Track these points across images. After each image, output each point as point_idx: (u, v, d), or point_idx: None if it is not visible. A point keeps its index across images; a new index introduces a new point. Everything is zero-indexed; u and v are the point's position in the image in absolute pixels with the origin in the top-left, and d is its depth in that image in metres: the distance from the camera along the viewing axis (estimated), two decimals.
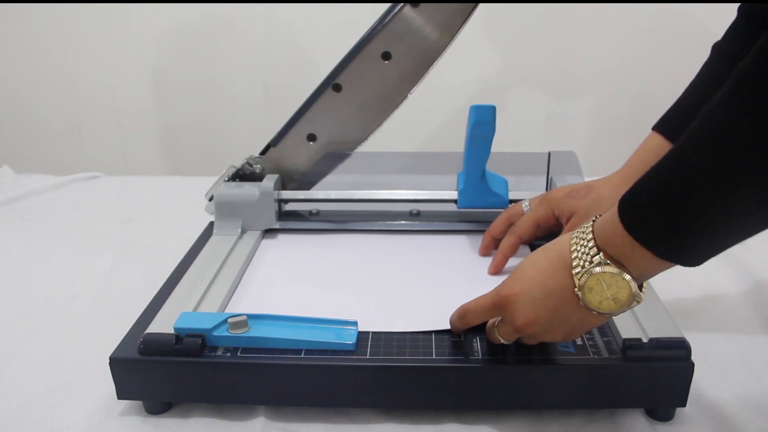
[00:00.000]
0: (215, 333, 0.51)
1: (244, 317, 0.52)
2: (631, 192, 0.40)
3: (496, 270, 0.64)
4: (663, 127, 0.59)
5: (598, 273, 0.41)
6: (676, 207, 0.37)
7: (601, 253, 0.41)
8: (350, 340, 0.52)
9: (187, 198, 0.90)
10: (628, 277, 0.41)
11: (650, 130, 0.63)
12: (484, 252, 0.68)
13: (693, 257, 0.39)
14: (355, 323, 0.53)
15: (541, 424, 0.52)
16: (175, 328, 0.51)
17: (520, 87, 1.43)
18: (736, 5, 0.58)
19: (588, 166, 0.77)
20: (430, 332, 0.54)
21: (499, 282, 0.49)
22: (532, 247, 0.68)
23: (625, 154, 0.64)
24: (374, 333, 0.54)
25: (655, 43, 1.37)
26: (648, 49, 1.38)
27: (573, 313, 0.44)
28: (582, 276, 0.42)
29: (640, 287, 0.42)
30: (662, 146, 0.58)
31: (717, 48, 0.57)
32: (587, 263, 0.42)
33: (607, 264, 0.41)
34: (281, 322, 0.54)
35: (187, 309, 0.56)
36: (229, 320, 0.52)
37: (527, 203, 0.67)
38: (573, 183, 0.67)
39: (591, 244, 0.42)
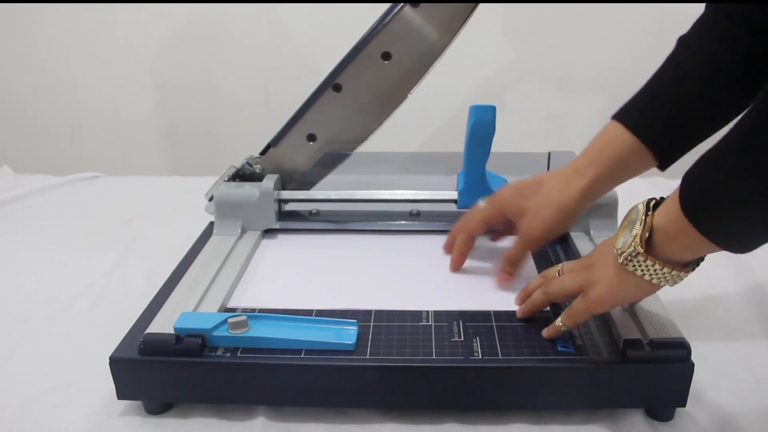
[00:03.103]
0: (215, 333, 0.51)
1: (244, 317, 0.52)
2: (695, 177, 0.42)
3: (455, 267, 0.64)
4: (623, 117, 0.56)
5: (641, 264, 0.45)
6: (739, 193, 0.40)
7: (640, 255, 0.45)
8: (350, 340, 0.52)
9: (187, 198, 0.90)
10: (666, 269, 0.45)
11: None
12: (447, 250, 0.68)
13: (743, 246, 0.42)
14: (355, 323, 0.53)
15: (541, 424, 0.52)
16: (175, 328, 0.51)
17: (520, 87, 1.43)
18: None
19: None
20: (430, 332, 0.54)
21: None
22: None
23: None
24: (375, 326, 0.54)
25: (654, 43, 1.37)
26: (648, 49, 1.38)
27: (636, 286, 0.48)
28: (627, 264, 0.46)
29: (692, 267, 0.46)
30: (621, 137, 0.55)
31: (684, 41, 0.55)
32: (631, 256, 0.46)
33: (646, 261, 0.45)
34: (281, 322, 0.54)
35: (187, 309, 0.56)
36: (229, 320, 0.52)
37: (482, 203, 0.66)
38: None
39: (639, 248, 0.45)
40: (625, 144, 0.55)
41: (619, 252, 0.46)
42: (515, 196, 0.60)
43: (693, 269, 0.46)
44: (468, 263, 0.67)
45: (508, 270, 0.61)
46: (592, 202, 0.58)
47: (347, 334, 0.52)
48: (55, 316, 0.69)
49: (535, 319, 0.56)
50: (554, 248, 0.70)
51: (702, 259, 0.46)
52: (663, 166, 0.56)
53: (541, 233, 0.58)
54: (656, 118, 0.54)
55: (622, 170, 0.56)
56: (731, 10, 0.51)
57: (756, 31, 0.50)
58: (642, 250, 0.44)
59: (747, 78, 0.51)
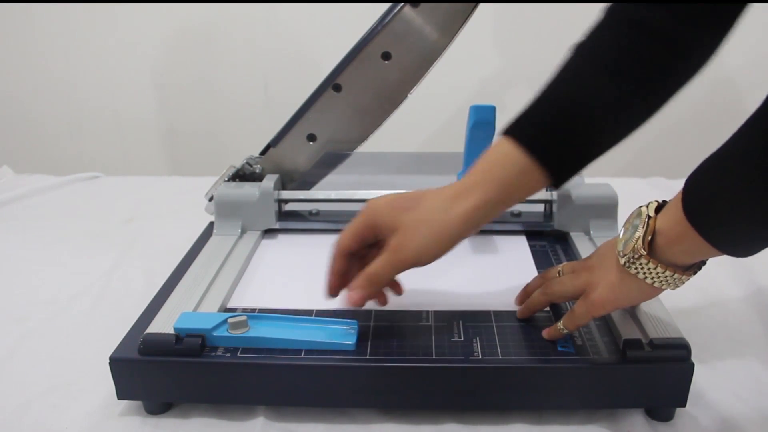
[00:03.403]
0: (215, 333, 0.51)
1: (244, 317, 0.52)
2: (698, 181, 0.42)
3: (330, 291, 0.54)
4: (514, 131, 0.50)
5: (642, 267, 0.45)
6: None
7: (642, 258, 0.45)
8: (350, 340, 0.52)
9: (187, 198, 0.90)
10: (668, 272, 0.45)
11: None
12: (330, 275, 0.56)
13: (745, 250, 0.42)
14: (355, 323, 0.53)
15: (541, 424, 0.52)
16: (175, 328, 0.51)
17: (520, 87, 1.43)
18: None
19: (588, 166, 0.77)
20: (430, 332, 0.54)
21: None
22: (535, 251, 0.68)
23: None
24: (375, 326, 0.54)
25: None
26: None
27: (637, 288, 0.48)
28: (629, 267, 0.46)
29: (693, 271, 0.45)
30: (511, 154, 0.49)
31: (580, 49, 0.50)
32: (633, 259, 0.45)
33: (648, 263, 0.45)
34: (281, 322, 0.54)
35: (187, 309, 0.56)
36: (229, 320, 0.52)
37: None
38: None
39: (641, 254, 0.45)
40: (515, 163, 0.49)
41: (621, 254, 0.46)
42: (390, 208, 0.51)
43: (695, 272, 0.46)
44: (468, 263, 0.67)
45: (366, 288, 0.51)
46: (478, 227, 0.50)
47: (347, 334, 0.52)
48: (55, 316, 0.69)
49: (535, 319, 0.56)
50: (554, 248, 0.70)
51: (704, 262, 0.45)
52: (556, 185, 0.50)
53: (412, 255, 0.49)
54: (551, 133, 0.49)
55: (511, 192, 0.49)
56: (631, 16, 0.48)
57: (658, 37, 0.47)
58: (644, 253, 0.44)
59: (650, 87, 0.48)
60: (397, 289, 0.56)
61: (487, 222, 0.50)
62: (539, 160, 0.48)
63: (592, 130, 0.49)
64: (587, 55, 0.49)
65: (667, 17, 0.46)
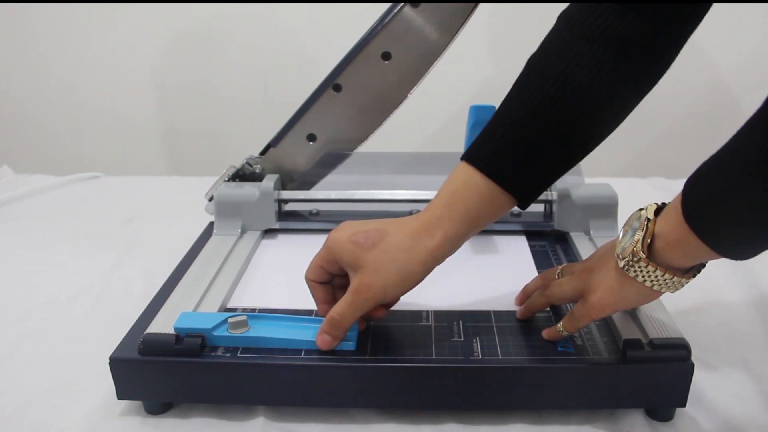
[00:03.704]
0: (215, 333, 0.51)
1: (244, 317, 0.52)
2: (696, 184, 0.42)
3: (323, 315, 0.52)
4: (474, 158, 0.49)
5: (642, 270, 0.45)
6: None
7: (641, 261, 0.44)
8: (350, 340, 0.52)
9: (187, 198, 0.90)
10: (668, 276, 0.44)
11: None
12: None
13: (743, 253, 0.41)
14: (355, 324, 0.53)
15: (541, 424, 0.52)
16: (175, 328, 0.51)
17: None
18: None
19: (588, 166, 0.77)
20: (430, 332, 0.54)
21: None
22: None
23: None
24: (375, 326, 0.54)
25: None
26: None
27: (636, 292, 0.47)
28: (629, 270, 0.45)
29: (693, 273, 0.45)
30: (473, 183, 0.48)
31: (536, 65, 0.49)
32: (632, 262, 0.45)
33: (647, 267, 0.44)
34: (281, 322, 0.54)
35: (187, 309, 0.56)
36: (229, 320, 0.52)
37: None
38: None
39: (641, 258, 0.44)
40: (479, 192, 0.48)
41: (620, 257, 0.46)
42: (352, 244, 0.49)
43: (694, 275, 0.45)
44: (468, 263, 0.67)
45: (332, 333, 0.50)
46: (443, 260, 0.50)
47: (348, 334, 0.52)
48: (55, 316, 0.69)
49: (535, 319, 0.56)
50: (554, 248, 0.70)
51: (703, 265, 0.45)
52: (523, 207, 0.51)
53: (376, 296, 0.49)
54: (512, 157, 0.48)
55: (476, 222, 0.49)
56: (589, 29, 0.46)
57: (618, 50, 0.46)
58: (644, 256, 0.44)
59: (613, 102, 0.48)
60: (379, 313, 0.53)
61: (453, 253, 0.50)
62: (503, 185, 0.48)
63: (552, 148, 0.48)
64: (543, 73, 0.48)
65: (624, 27, 0.46)
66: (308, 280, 0.53)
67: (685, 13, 0.47)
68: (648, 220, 0.44)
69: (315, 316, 0.57)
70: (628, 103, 0.49)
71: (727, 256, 0.42)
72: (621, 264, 0.46)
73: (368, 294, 0.49)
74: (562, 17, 0.49)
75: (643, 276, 0.45)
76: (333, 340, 0.50)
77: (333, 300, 0.53)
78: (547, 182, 0.50)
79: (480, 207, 0.49)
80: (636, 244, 0.44)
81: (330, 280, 0.53)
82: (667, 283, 0.45)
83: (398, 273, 0.49)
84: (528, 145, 0.48)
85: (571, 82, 0.47)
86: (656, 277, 0.45)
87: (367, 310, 0.50)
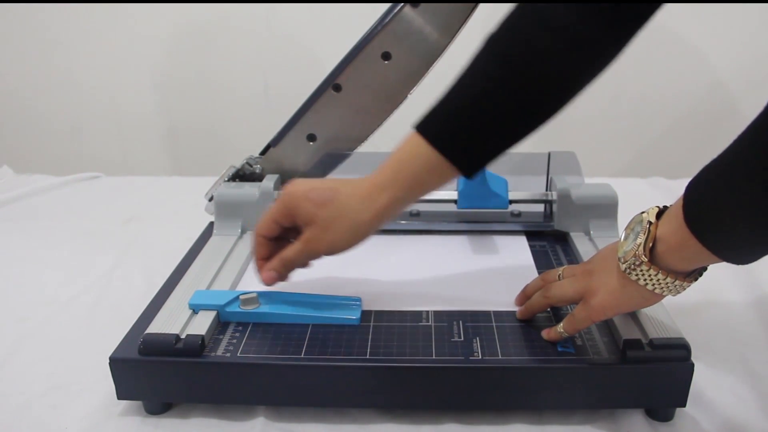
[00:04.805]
0: (228, 309, 0.55)
1: (255, 294, 0.56)
2: (698, 188, 0.42)
3: (264, 279, 0.56)
4: (424, 128, 0.51)
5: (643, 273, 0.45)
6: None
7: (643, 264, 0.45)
8: (354, 315, 0.55)
9: (187, 198, 0.90)
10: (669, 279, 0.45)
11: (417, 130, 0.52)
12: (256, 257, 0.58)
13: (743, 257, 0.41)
14: (358, 299, 0.57)
15: (541, 424, 0.52)
16: (190, 305, 0.55)
17: None
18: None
19: (588, 166, 0.77)
20: (430, 332, 0.54)
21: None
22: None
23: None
24: (375, 326, 0.55)
25: (654, 43, 1.37)
26: (647, 49, 1.38)
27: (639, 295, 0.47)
28: (630, 274, 0.46)
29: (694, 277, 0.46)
30: (421, 153, 0.50)
31: (492, 46, 0.50)
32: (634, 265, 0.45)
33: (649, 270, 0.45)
34: (290, 299, 0.57)
35: (186, 309, 0.56)
36: (241, 297, 0.55)
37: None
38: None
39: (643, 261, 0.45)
40: (425, 160, 0.50)
41: (622, 261, 0.46)
42: (307, 200, 0.53)
43: (696, 278, 0.46)
44: (468, 263, 0.67)
45: (280, 271, 0.55)
46: (389, 221, 0.53)
47: (352, 309, 0.56)
48: (55, 316, 0.69)
49: (536, 319, 0.56)
50: (554, 248, 0.70)
51: (705, 268, 0.45)
52: (468, 176, 0.52)
53: (325, 248, 0.53)
54: (458, 129, 0.50)
55: (421, 188, 0.52)
56: (541, 16, 0.47)
57: (563, 35, 0.47)
58: (646, 260, 0.44)
59: (554, 84, 0.49)
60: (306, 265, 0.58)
61: (398, 214, 0.54)
62: (447, 156, 0.50)
63: (497, 123, 0.50)
64: (493, 50, 0.50)
65: (572, 15, 0.46)
66: (258, 235, 0.56)
67: (626, 8, 0.48)
68: (650, 223, 0.45)
69: None
70: (577, 87, 0.50)
71: (728, 261, 0.42)
72: (623, 267, 0.46)
73: (316, 246, 0.53)
74: (518, 6, 0.50)
75: (645, 279, 0.45)
76: (277, 276, 0.55)
77: (271, 257, 0.56)
78: (494, 156, 0.52)
79: (426, 175, 0.51)
80: (638, 248, 0.44)
81: (278, 235, 0.56)
82: (668, 287, 0.45)
83: (347, 231, 0.53)
84: (477, 123, 0.49)
85: (521, 64, 0.48)
86: (658, 280, 0.45)
87: (314, 259, 0.55)
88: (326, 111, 0.72)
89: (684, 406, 0.51)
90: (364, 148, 0.76)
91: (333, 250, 0.53)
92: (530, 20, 0.48)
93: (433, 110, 0.51)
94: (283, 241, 0.56)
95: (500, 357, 0.50)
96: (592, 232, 0.70)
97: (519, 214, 0.76)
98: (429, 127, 0.51)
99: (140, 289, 0.73)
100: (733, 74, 1.40)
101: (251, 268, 0.66)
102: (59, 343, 0.64)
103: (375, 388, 0.51)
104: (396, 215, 0.53)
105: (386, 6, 0.66)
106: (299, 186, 0.54)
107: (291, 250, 0.54)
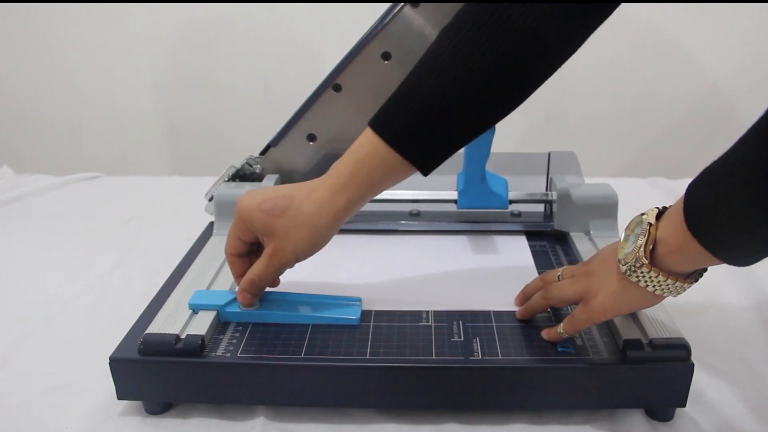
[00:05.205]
0: (227, 309, 0.55)
1: None
2: (698, 191, 0.42)
3: (242, 302, 0.56)
4: (379, 126, 0.51)
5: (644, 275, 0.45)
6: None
7: (644, 266, 0.44)
8: (355, 315, 0.55)
9: (187, 198, 0.90)
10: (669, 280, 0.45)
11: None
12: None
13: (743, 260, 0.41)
14: (358, 299, 0.57)
15: (541, 424, 0.52)
16: (190, 305, 0.55)
17: None
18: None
19: (588, 166, 0.77)
20: (430, 332, 0.54)
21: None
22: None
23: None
24: (375, 326, 0.55)
25: (654, 43, 1.37)
26: (648, 49, 1.38)
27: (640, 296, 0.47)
28: (631, 276, 0.46)
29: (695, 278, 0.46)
30: (377, 153, 0.50)
31: (445, 41, 0.49)
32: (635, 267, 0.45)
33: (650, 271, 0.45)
34: (289, 299, 0.57)
35: (186, 309, 0.56)
36: None
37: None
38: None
39: (642, 262, 0.44)
40: (382, 161, 0.50)
41: (623, 263, 0.46)
42: (261, 212, 0.52)
43: (696, 280, 0.46)
44: (468, 263, 0.67)
45: (250, 291, 0.55)
46: (346, 220, 0.53)
47: (352, 309, 0.56)
48: (55, 316, 0.69)
49: (536, 319, 0.56)
50: (554, 248, 0.70)
51: (705, 269, 0.45)
52: (424, 173, 0.52)
53: (290, 258, 0.53)
54: (414, 128, 0.49)
55: (378, 186, 0.52)
56: (502, 15, 0.47)
57: (519, 32, 0.47)
58: (646, 262, 0.44)
59: (509, 80, 0.48)
60: (275, 283, 0.58)
61: (355, 213, 0.53)
62: (405, 156, 0.50)
63: (455, 122, 0.50)
64: (448, 46, 0.49)
65: (536, 15, 0.46)
66: (228, 254, 0.56)
67: (584, 7, 0.48)
68: (650, 225, 0.44)
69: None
70: (536, 85, 0.50)
71: (728, 263, 0.42)
72: (623, 269, 0.46)
73: (282, 258, 0.53)
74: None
75: (645, 281, 0.45)
76: (252, 297, 0.55)
77: (242, 274, 0.56)
78: (451, 154, 0.52)
79: (383, 174, 0.51)
80: (638, 249, 0.44)
81: (247, 251, 0.56)
82: (669, 288, 0.45)
83: (307, 237, 0.52)
84: (435, 122, 0.49)
85: (483, 64, 0.48)
86: (659, 282, 0.45)
87: (282, 271, 0.55)
88: (326, 111, 0.72)
89: (684, 406, 0.51)
90: None
91: (298, 258, 0.53)
92: (491, 19, 0.47)
93: (389, 108, 0.51)
94: (255, 255, 0.56)
95: (500, 357, 0.50)
96: (592, 232, 0.70)
97: (519, 214, 0.76)
98: (385, 126, 0.50)
99: (140, 289, 0.73)
100: (732, 75, 1.40)
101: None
102: (59, 343, 0.64)
103: (375, 388, 0.51)
104: (352, 214, 0.53)
105: (386, 6, 0.66)
106: (251, 198, 0.53)
107: (257, 267, 0.54)
